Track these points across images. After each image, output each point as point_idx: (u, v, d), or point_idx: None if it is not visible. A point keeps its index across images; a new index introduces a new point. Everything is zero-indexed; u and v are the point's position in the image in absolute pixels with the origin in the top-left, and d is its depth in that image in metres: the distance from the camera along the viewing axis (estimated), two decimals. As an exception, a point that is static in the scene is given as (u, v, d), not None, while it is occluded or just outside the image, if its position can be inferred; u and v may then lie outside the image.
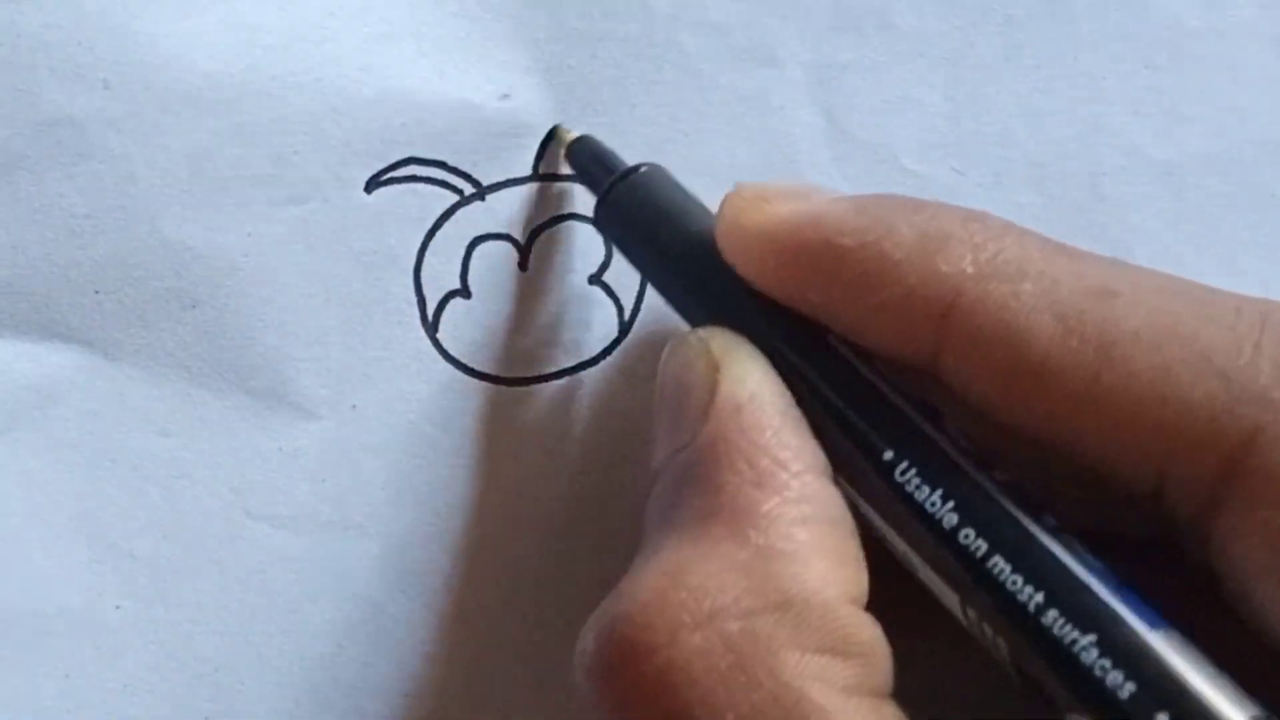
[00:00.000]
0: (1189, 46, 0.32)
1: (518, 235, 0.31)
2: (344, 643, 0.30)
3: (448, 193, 0.30)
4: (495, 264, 0.31)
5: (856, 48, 0.31)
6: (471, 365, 0.31)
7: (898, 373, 0.25)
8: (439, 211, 0.30)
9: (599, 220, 0.29)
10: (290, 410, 0.30)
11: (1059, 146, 0.32)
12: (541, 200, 0.31)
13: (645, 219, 0.28)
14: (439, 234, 0.30)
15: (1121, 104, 0.32)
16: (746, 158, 0.31)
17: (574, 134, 0.30)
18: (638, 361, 0.31)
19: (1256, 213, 0.32)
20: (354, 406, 0.30)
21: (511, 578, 0.31)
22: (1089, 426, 0.23)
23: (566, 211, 0.31)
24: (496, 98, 0.30)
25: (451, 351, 0.31)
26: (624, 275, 0.31)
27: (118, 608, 0.30)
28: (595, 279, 0.31)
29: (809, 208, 0.25)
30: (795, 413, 0.25)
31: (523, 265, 0.31)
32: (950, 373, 0.24)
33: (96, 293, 0.29)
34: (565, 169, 0.30)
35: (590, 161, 0.29)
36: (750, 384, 0.25)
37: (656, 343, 0.31)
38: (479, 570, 0.31)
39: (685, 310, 0.27)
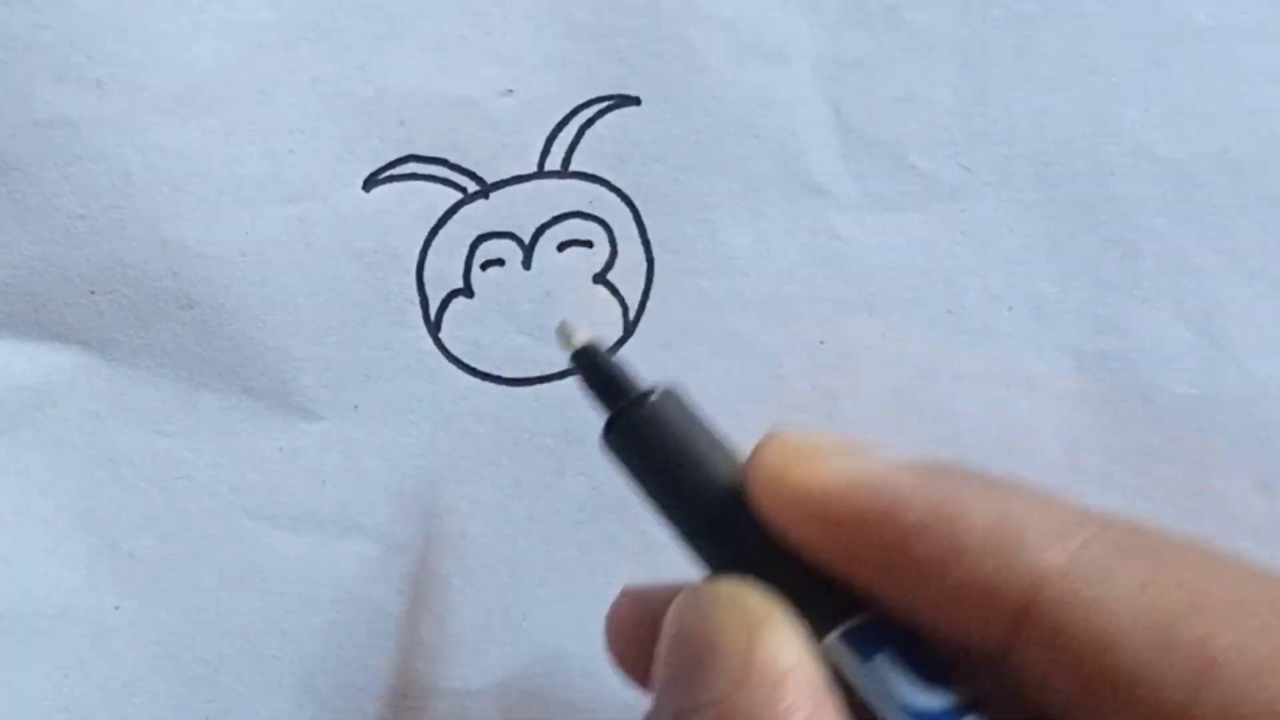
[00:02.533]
0: (1198, 44, 0.32)
1: (521, 233, 0.30)
2: (344, 643, 0.30)
3: (451, 191, 0.30)
4: (498, 262, 0.30)
5: (865, 44, 0.31)
6: (474, 365, 0.30)
7: (954, 654, 0.24)
8: (442, 210, 0.30)
9: (607, 444, 0.26)
10: (290, 410, 0.30)
11: (1067, 144, 0.32)
12: (546, 198, 0.30)
13: (662, 450, 0.25)
14: (442, 232, 0.30)
15: (1130, 102, 0.32)
16: (754, 155, 0.31)
17: (582, 335, 0.27)
18: (642, 361, 0.31)
19: (1266, 212, 0.32)
20: (354, 406, 0.30)
21: (511, 578, 0.31)
22: None
23: (572, 209, 0.31)
24: (499, 94, 0.30)
25: (454, 351, 0.30)
26: (628, 274, 0.31)
27: (117, 608, 0.30)
28: (599, 278, 0.31)
29: (867, 472, 0.23)
30: (830, 697, 0.22)
31: (526, 264, 0.30)
32: (1022, 666, 0.23)
33: (93, 293, 0.29)
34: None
35: (602, 375, 0.27)
36: (790, 657, 0.22)
37: (661, 344, 0.31)
38: (479, 570, 0.31)
39: (699, 553, 0.25)
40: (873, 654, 0.23)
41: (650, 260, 0.31)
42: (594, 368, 0.27)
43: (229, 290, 0.29)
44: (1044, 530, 0.22)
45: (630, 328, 0.31)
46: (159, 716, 0.30)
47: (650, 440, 0.25)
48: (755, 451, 0.24)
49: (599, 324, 0.31)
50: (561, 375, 0.31)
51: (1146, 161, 0.32)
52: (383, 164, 0.30)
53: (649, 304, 0.31)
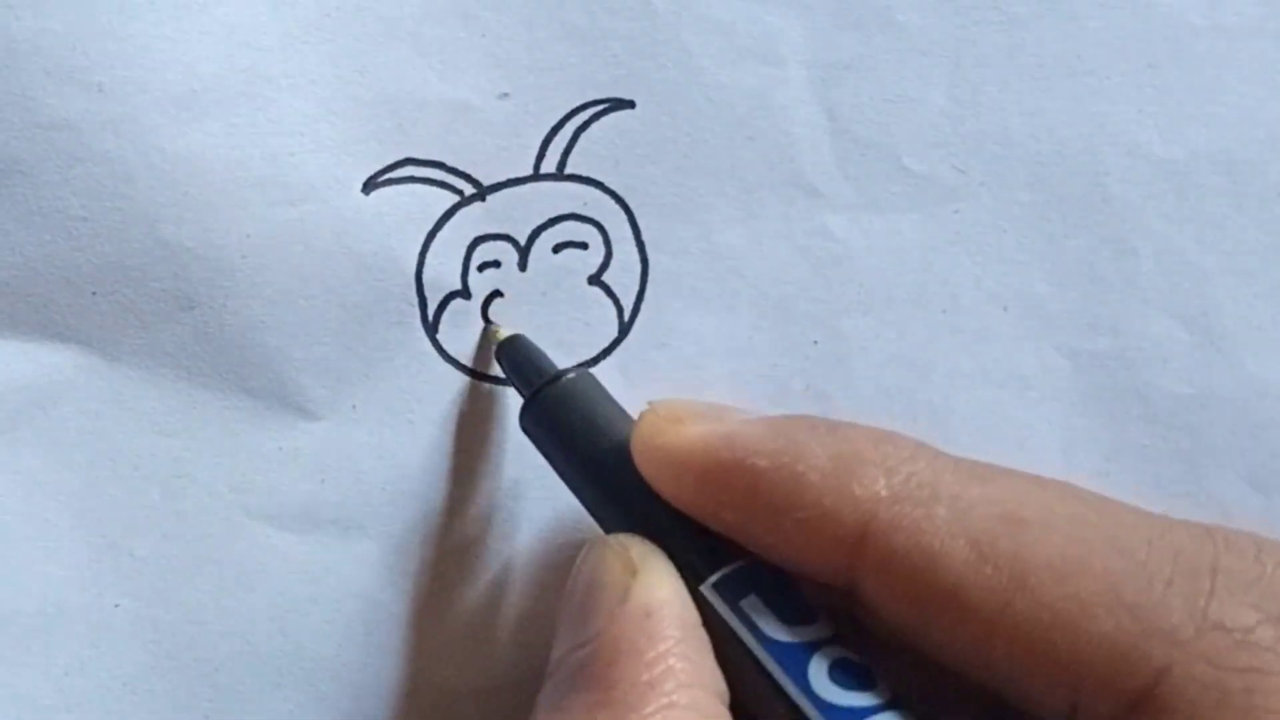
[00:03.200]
0: (1193, 44, 0.32)
1: (518, 236, 0.31)
2: (344, 643, 0.30)
3: (448, 193, 0.30)
4: (495, 264, 0.31)
5: (859, 46, 0.31)
6: (471, 366, 0.31)
7: (816, 590, 0.26)
8: (439, 212, 0.30)
9: (523, 423, 0.29)
10: (290, 410, 0.30)
11: (1062, 145, 0.32)
12: (542, 200, 0.31)
13: (568, 425, 0.28)
14: (439, 235, 0.30)
15: (1125, 103, 0.32)
16: (748, 157, 0.31)
17: (505, 332, 0.30)
18: (638, 362, 0.31)
19: (1262, 212, 0.32)
20: (354, 406, 0.30)
21: (511, 578, 0.31)
22: (1001, 653, 0.24)
23: (567, 211, 0.31)
24: (496, 97, 0.30)
25: (451, 352, 0.30)
26: (623, 275, 0.31)
27: (117, 607, 0.30)
28: (595, 279, 0.31)
29: (722, 428, 0.26)
30: (701, 632, 0.25)
31: (522, 266, 0.31)
32: (866, 593, 0.25)
33: (94, 294, 0.29)
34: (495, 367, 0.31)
35: (521, 362, 0.30)
36: (662, 593, 0.25)
37: (655, 345, 0.31)
38: (479, 570, 0.31)
39: (601, 518, 0.28)
40: (741, 598, 0.25)
41: (645, 262, 0.31)
42: (514, 358, 0.30)
43: (229, 291, 0.29)
44: (876, 464, 0.25)
45: (625, 329, 0.31)
46: (159, 716, 0.30)
47: (557, 417, 0.28)
48: (635, 423, 0.27)
49: (597, 325, 0.31)
50: (558, 376, 0.31)
51: (1141, 161, 0.32)
52: (381, 167, 0.30)
53: (644, 305, 0.31)
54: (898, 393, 0.32)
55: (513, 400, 0.31)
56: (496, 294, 0.31)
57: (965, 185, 0.32)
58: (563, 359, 0.31)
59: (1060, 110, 0.32)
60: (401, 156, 0.30)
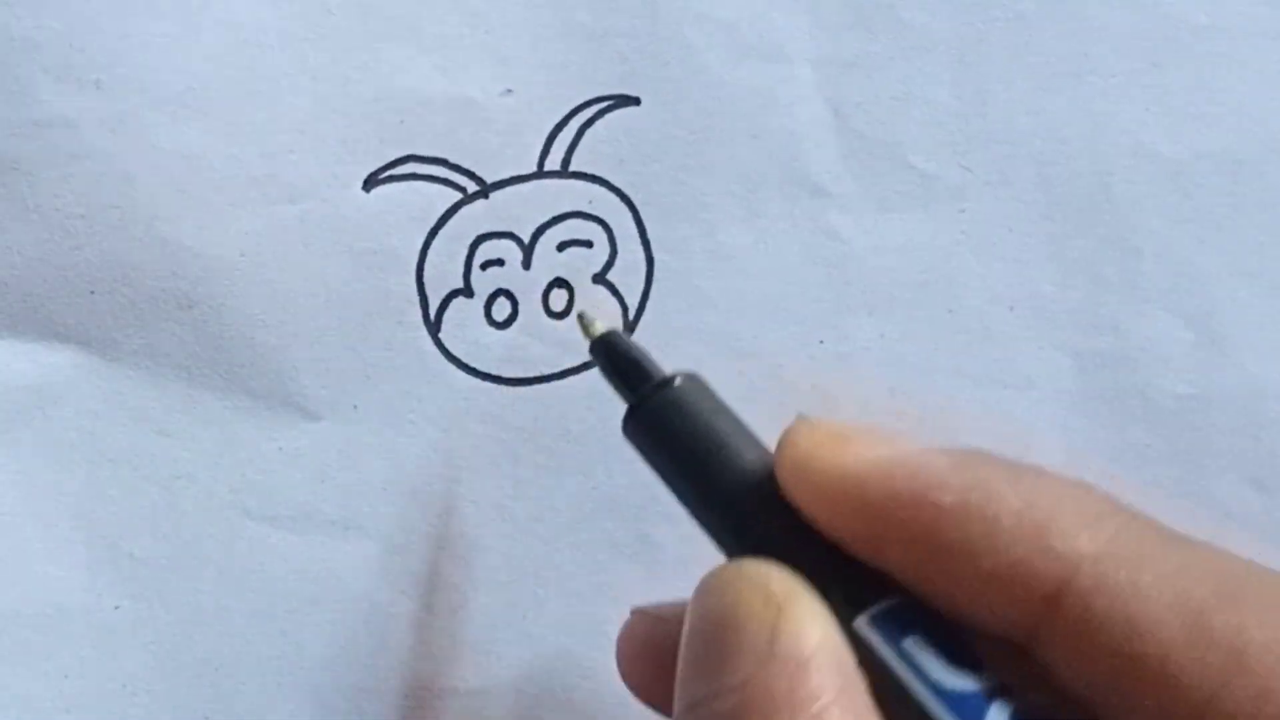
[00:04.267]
0: (1197, 44, 0.32)
1: (521, 233, 0.30)
2: (344, 643, 0.30)
3: (451, 191, 0.30)
4: (498, 262, 0.30)
5: (864, 44, 0.31)
6: (473, 365, 0.30)
7: (982, 640, 0.23)
8: (441, 210, 0.30)
9: (629, 430, 0.26)
10: (290, 410, 0.30)
11: (1066, 144, 0.32)
12: (546, 198, 0.30)
13: (685, 436, 0.25)
14: (441, 232, 0.30)
15: (1130, 102, 0.32)
16: (753, 155, 0.31)
17: (601, 326, 0.28)
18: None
19: (1266, 212, 0.32)
20: (354, 406, 0.30)
21: (511, 578, 0.31)
22: None
23: (571, 209, 0.31)
24: (499, 94, 0.30)
25: (453, 351, 0.30)
26: (628, 274, 0.31)
27: (117, 608, 0.30)
28: (599, 278, 0.31)
29: (899, 456, 0.23)
30: (859, 679, 0.22)
31: (526, 264, 0.31)
32: (1050, 653, 0.23)
33: (92, 293, 0.29)
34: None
35: (624, 362, 0.27)
36: (815, 636, 0.22)
37: (660, 344, 0.31)
38: (479, 570, 0.31)
39: (727, 543, 0.25)
40: (902, 637, 0.23)
41: (650, 260, 0.31)
42: (614, 355, 0.27)
43: (229, 290, 0.29)
44: (1075, 517, 0.22)
45: (630, 327, 0.31)
46: (159, 716, 0.30)
47: (673, 426, 0.25)
48: (784, 435, 0.24)
49: (600, 323, 0.31)
50: (561, 375, 0.31)
51: (1146, 161, 0.32)
52: (383, 164, 0.30)
53: (648, 304, 0.31)
54: (902, 392, 0.32)
55: (513, 399, 0.31)
56: (500, 292, 0.30)
57: (971, 184, 0.31)
58: (564, 359, 0.31)
59: (1065, 109, 0.32)
60: (404, 154, 0.30)
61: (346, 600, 0.30)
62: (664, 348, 0.30)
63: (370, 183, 0.30)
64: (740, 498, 0.25)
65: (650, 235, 0.31)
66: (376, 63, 0.29)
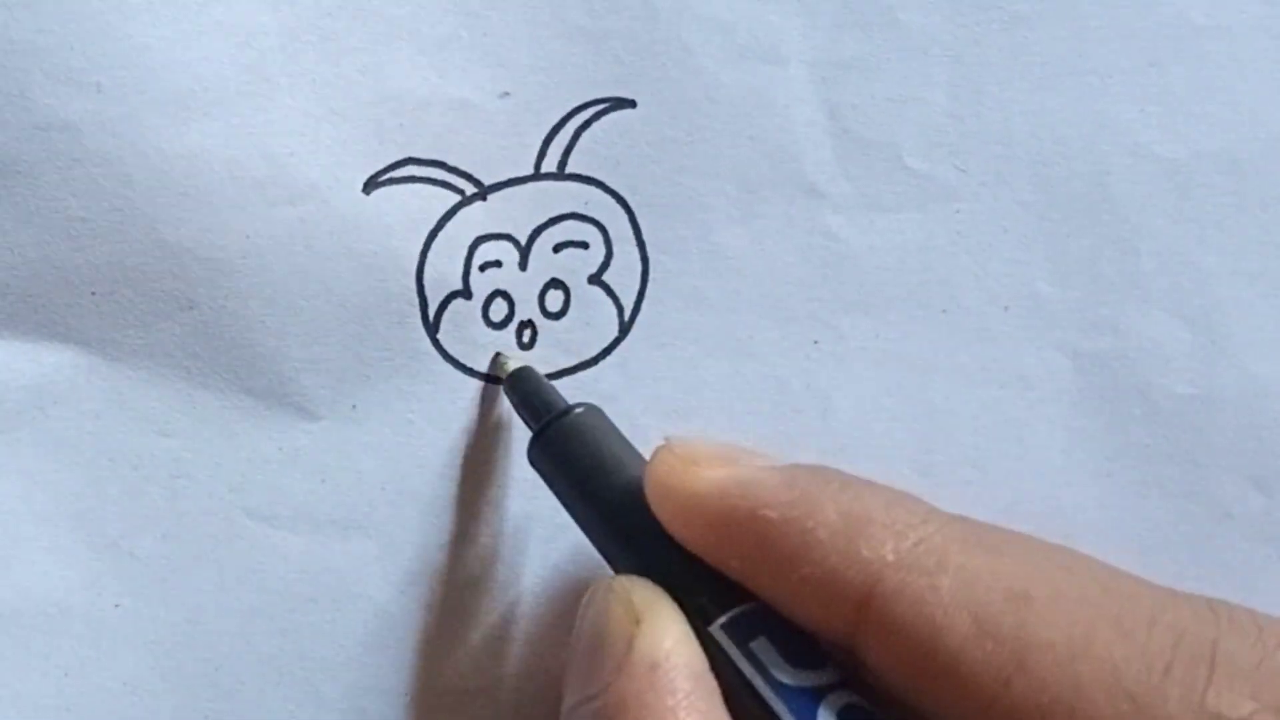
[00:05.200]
0: (1195, 44, 0.32)
1: (519, 235, 0.31)
2: (344, 643, 0.30)
3: (449, 193, 0.30)
4: (496, 264, 0.30)
5: (860, 45, 0.31)
6: (472, 366, 0.31)
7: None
8: (440, 212, 0.30)
9: (531, 458, 0.29)
10: (290, 410, 0.30)
11: (1064, 145, 0.32)
12: (543, 200, 0.31)
13: (577, 461, 0.28)
14: (440, 234, 0.30)
15: (1127, 102, 0.32)
16: (749, 156, 0.31)
17: (513, 364, 0.30)
18: (638, 361, 0.31)
19: (1265, 211, 0.32)
20: (354, 406, 0.30)
21: (511, 578, 0.31)
22: None
23: (568, 211, 0.31)
24: (497, 96, 0.30)
25: (452, 352, 0.30)
26: (624, 275, 0.31)
27: (117, 606, 0.30)
28: (595, 279, 0.31)
29: (738, 474, 0.26)
30: (709, 679, 0.25)
31: (522, 265, 0.31)
32: (867, 656, 0.25)
33: (94, 294, 0.29)
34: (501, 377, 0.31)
35: (529, 395, 0.30)
36: (667, 642, 0.25)
37: (656, 345, 0.31)
38: (479, 570, 0.31)
39: (609, 556, 0.28)
40: (750, 640, 0.25)
41: (645, 261, 0.31)
42: (523, 390, 0.30)
43: (229, 291, 0.29)
44: (884, 526, 0.25)
45: (625, 328, 0.31)
46: (159, 716, 0.30)
47: (567, 452, 0.28)
48: (650, 458, 0.27)
49: (597, 324, 0.31)
50: (559, 375, 0.31)
51: (1144, 161, 0.32)
52: (382, 166, 0.30)
53: (644, 305, 0.31)
54: (898, 392, 0.32)
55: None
56: (498, 293, 0.31)
57: (966, 185, 0.31)
58: (563, 359, 0.31)
59: (1062, 109, 0.31)
60: (402, 156, 0.30)
61: (346, 600, 0.30)
62: (660, 348, 0.31)
63: (370, 185, 0.30)
64: (619, 516, 0.27)
65: (646, 236, 0.31)
66: (375, 65, 0.29)
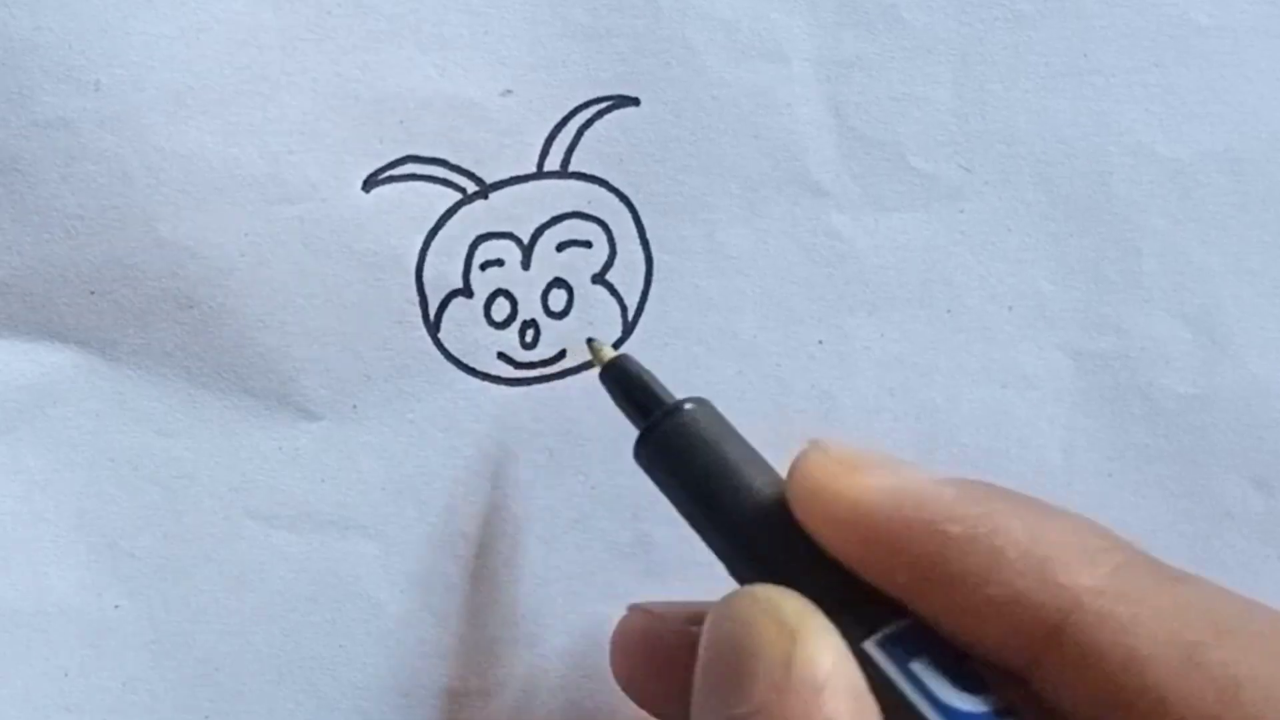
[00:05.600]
0: (1198, 44, 0.32)
1: (521, 234, 0.30)
2: (344, 643, 0.30)
3: (450, 191, 0.30)
4: (498, 263, 0.30)
5: (864, 44, 0.31)
6: (472, 365, 0.30)
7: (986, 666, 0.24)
8: (441, 210, 0.30)
9: (640, 457, 0.27)
10: (290, 410, 0.30)
11: (1067, 144, 0.32)
12: (546, 198, 0.30)
13: (696, 462, 0.26)
14: (441, 233, 0.30)
15: (1130, 102, 0.32)
16: (753, 155, 0.31)
17: (610, 352, 0.29)
18: (641, 360, 0.31)
19: (1267, 211, 0.32)
20: (354, 406, 0.30)
21: (511, 578, 0.31)
22: None
23: (571, 209, 0.31)
24: (498, 94, 0.30)
25: (453, 351, 0.30)
26: (627, 274, 0.31)
27: (117, 607, 0.30)
28: (599, 278, 0.31)
29: (909, 486, 0.24)
30: (870, 701, 0.23)
31: (525, 264, 0.31)
32: (1050, 682, 0.23)
33: (92, 293, 0.29)
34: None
35: (634, 388, 0.28)
36: (828, 662, 0.23)
37: (659, 344, 0.31)
38: (479, 570, 0.31)
39: (737, 565, 0.26)
40: (910, 660, 0.23)
41: (649, 260, 0.31)
42: (625, 382, 0.28)
43: (228, 290, 0.29)
44: (1078, 552, 0.23)
45: (629, 328, 0.31)
46: (159, 716, 0.30)
47: (685, 452, 0.26)
48: (796, 462, 0.25)
49: (600, 324, 0.31)
50: (561, 375, 0.31)
51: (1146, 161, 0.32)
52: (382, 164, 0.30)
53: (647, 304, 0.31)
54: (902, 392, 0.32)
55: (513, 399, 0.31)
56: (500, 292, 0.30)
57: (970, 184, 0.31)
58: (564, 359, 0.31)
59: (1066, 109, 0.31)
60: (403, 154, 0.30)
61: (346, 600, 0.30)
62: (663, 348, 0.31)
63: (370, 183, 0.30)
64: (752, 523, 0.25)
65: (650, 235, 0.31)
66: (376, 63, 0.29)
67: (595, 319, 0.31)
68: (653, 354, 0.31)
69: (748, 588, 0.25)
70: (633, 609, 0.29)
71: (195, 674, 0.30)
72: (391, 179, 0.30)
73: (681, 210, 0.31)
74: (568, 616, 0.31)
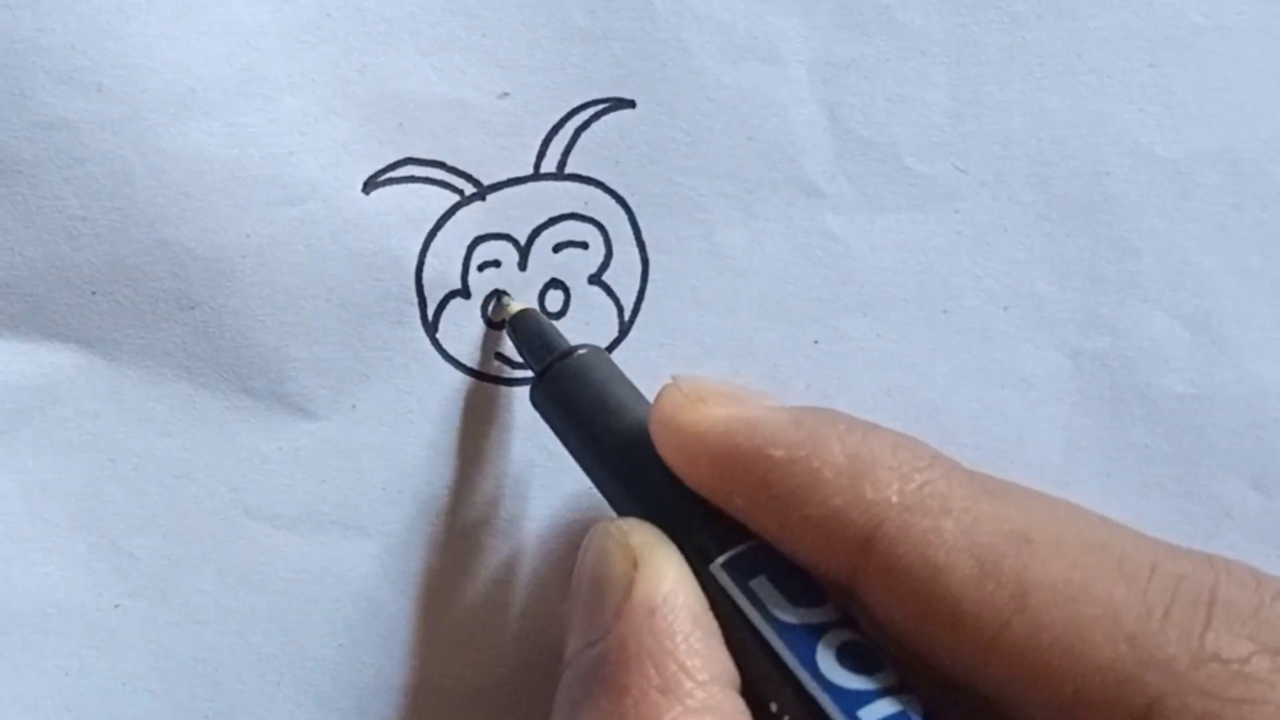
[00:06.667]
0: (1194, 43, 0.32)
1: (518, 235, 0.31)
2: (344, 643, 0.30)
3: (448, 193, 0.30)
4: (495, 264, 0.31)
5: (860, 45, 0.31)
6: (471, 365, 0.31)
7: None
8: (439, 211, 0.30)
9: (534, 399, 0.29)
10: (290, 410, 0.30)
11: (1063, 145, 0.32)
12: (542, 200, 0.31)
13: (581, 401, 0.28)
14: (439, 234, 0.30)
15: (1126, 102, 0.32)
16: (749, 156, 0.31)
17: (516, 305, 0.30)
18: (638, 361, 0.31)
19: (1263, 211, 0.32)
20: (354, 406, 0.30)
21: (511, 577, 0.31)
22: (998, 670, 0.24)
23: (567, 211, 0.31)
24: (496, 96, 0.30)
25: (451, 352, 0.30)
26: (624, 275, 0.31)
27: (117, 606, 0.30)
28: (595, 279, 0.31)
29: (745, 413, 0.26)
30: (708, 618, 0.25)
31: (522, 265, 0.31)
32: (867, 596, 0.25)
33: (94, 294, 0.29)
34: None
35: (533, 337, 0.29)
36: (665, 585, 0.25)
37: (655, 345, 0.31)
38: (479, 570, 0.31)
39: (612, 498, 0.28)
40: (750, 578, 0.25)
41: (645, 261, 0.31)
42: (526, 332, 0.30)
43: (229, 291, 0.29)
44: (890, 469, 0.25)
45: (625, 329, 0.31)
46: (159, 716, 0.30)
47: (569, 393, 0.28)
48: (656, 397, 0.27)
49: (597, 324, 0.31)
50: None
51: (1143, 161, 0.32)
52: (381, 166, 0.30)
53: (644, 305, 0.31)
54: (898, 393, 0.32)
55: (512, 399, 0.31)
56: (497, 293, 0.31)
57: (966, 185, 0.31)
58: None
59: (1061, 110, 0.32)
60: (402, 156, 0.30)
61: (346, 600, 0.30)
62: (659, 348, 0.31)
63: (369, 185, 0.30)
64: (623, 456, 0.27)
65: (646, 236, 0.31)
66: (375, 65, 0.30)
67: (592, 320, 0.31)
68: (649, 354, 0.31)
69: (603, 521, 0.26)
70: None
71: (195, 674, 0.30)
72: (391, 181, 0.30)
73: (678, 211, 0.31)
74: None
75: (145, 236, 0.29)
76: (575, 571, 0.26)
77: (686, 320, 0.31)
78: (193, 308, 0.29)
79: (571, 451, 0.28)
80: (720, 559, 0.25)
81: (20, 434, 0.29)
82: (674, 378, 0.27)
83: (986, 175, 0.31)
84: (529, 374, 0.31)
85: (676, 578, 0.25)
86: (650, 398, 0.27)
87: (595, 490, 0.31)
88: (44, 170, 0.28)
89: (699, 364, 0.31)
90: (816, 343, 0.31)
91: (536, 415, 0.31)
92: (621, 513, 0.27)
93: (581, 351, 0.29)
